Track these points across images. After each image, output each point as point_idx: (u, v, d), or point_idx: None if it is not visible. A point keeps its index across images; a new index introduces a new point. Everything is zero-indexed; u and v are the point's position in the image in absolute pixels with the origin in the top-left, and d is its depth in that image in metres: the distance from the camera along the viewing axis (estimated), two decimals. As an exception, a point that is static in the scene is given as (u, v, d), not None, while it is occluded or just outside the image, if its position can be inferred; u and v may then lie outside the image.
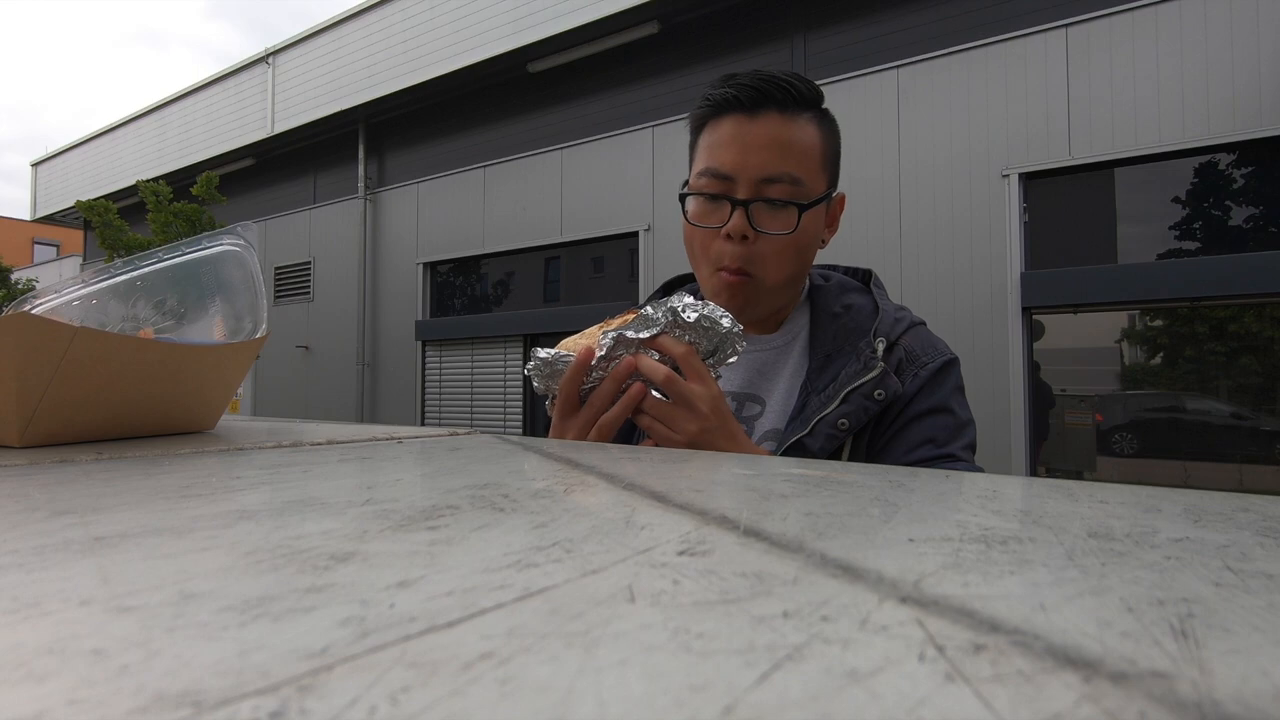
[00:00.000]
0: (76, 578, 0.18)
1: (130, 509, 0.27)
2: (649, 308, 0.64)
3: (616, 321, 0.65)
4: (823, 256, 0.80)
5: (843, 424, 0.68)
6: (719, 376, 0.65)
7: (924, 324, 0.77)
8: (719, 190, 0.71)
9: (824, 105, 0.75)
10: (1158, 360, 5.43)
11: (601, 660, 0.13)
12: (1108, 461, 5.44)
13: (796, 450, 0.69)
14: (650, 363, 0.62)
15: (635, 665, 0.12)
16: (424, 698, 0.11)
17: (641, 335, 0.62)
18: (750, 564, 0.19)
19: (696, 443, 0.60)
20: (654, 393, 0.63)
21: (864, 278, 0.84)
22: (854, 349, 0.72)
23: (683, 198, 0.76)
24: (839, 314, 0.77)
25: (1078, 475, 5.43)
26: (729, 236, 0.71)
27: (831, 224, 0.79)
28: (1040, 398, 5.35)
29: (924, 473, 0.36)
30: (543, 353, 0.66)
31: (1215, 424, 5.18)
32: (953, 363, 0.74)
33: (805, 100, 0.72)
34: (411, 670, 0.12)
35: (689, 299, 0.63)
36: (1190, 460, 5.22)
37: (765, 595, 0.16)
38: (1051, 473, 5.42)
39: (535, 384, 0.68)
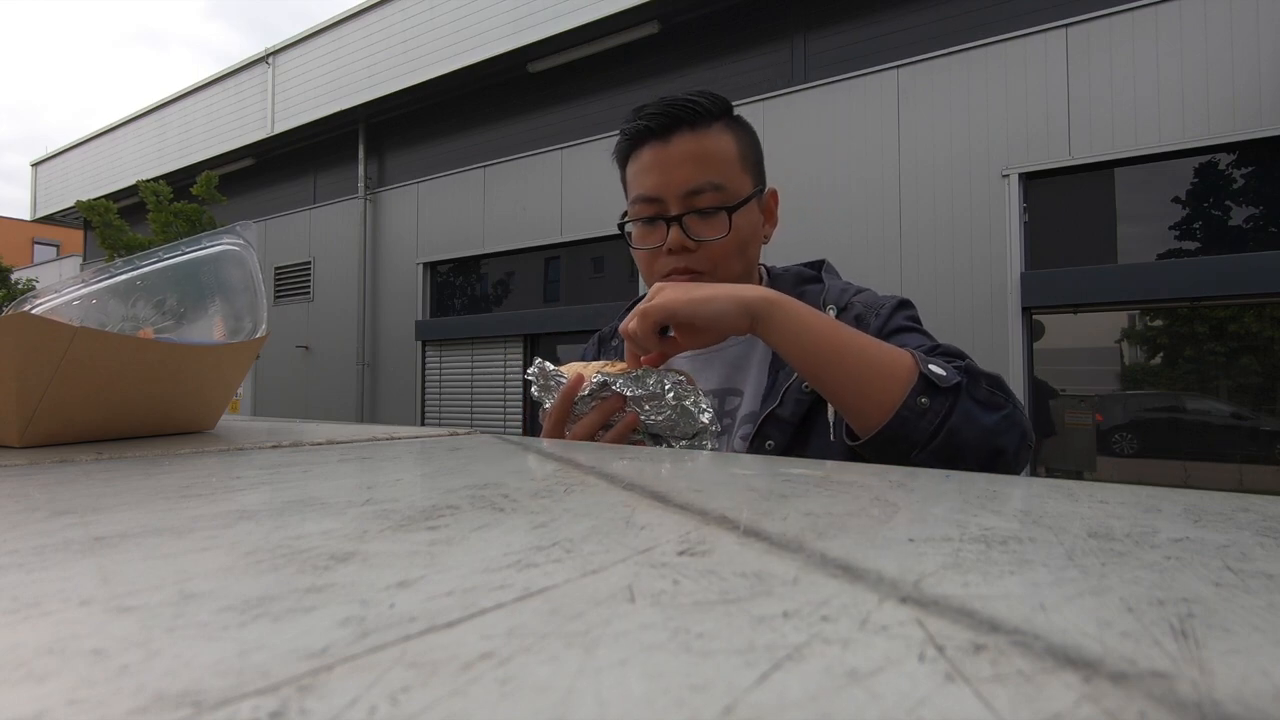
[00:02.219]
0: (76, 578, 0.18)
1: (130, 509, 0.27)
2: (643, 373, 0.66)
3: (619, 366, 0.67)
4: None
5: (807, 386, 0.71)
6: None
7: (869, 290, 0.81)
8: (652, 212, 0.77)
9: (734, 114, 0.80)
10: (1158, 360, 5.43)
11: (601, 660, 0.13)
12: (1108, 461, 5.44)
13: (771, 421, 0.72)
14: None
15: (635, 665, 0.12)
16: (424, 698, 0.11)
17: (626, 392, 0.64)
18: (750, 564, 0.19)
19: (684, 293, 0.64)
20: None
21: (817, 266, 0.88)
22: None
23: (621, 226, 0.82)
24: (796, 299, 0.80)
25: (1078, 475, 5.43)
26: (670, 251, 0.75)
27: (770, 219, 0.83)
28: (1041, 394, 5.35)
29: (924, 473, 0.36)
30: (548, 365, 0.70)
31: (1215, 424, 5.18)
32: (905, 301, 0.78)
33: (712, 113, 0.76)
34: (411, 670, 0.12)
35: (683, 384, 0.64)
36: (1190, 460, 5.22)
37: (765, 595, 0.16)
38: (1051, 473, 5.43)
39: (533, 390, 0.71)
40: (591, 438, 0.65)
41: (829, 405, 0.71)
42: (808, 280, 0.85)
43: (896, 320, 0.75)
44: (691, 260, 0.75)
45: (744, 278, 0.80)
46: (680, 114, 0.75)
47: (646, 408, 0.64)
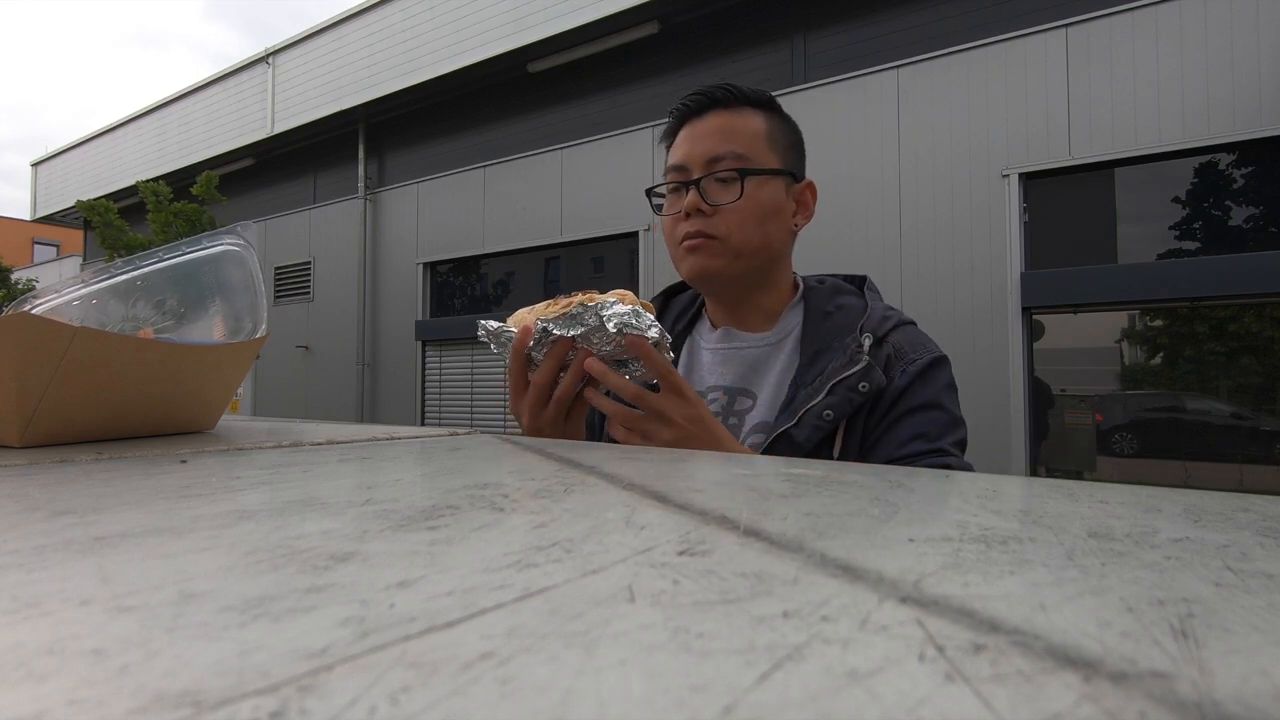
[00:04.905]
0: (76, 578, 0.18)
1: (130, 509, 0.27)
2: (581, 307, 0.65)
3: (561, 304, 0.66)
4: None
5: (828, 415, 0.70)
6: (654, 383, 0.67)
7: (914, 324, 0.79)
8: (678, 180, 0.80)
9: (776, 107, 0.82)
10: (1158, 360, 5.43)
11: (601, 660, 0.13)
12: (1108, 461, 5.44)
13: (784, 441, 0.71)
14: (618, 381, 0.63)
15: (635, 665, 0.12)
16: (424, 698, 0.11)
17: (569, 333, 0.64)
18: (750, 564, 0.19)
19: (676, 445, 0.62)
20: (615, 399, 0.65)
21: (859, 283, 0.87)
22: (841, 344, 0.75)
23: (649, 194, 0.86)
24: (830, 313, 0.80)
25: (1078, 475, 5.43)
26: (688, 215, 0.78)
27: (802, 209, 0.84)
28: (1040, 397, 5.35)
29: (924, 473, 0.36)
30: (491, 324, 0.70)
31: (1215, 424, 5.18)
32: (942, 360, 0.75)
33: (748, 99, 0.80)
34: (411, 670, 0.12)
35: (620, 308, 0.63)
36: (1190, 460, 5.22)
37: (765, 595, 0.16)
38: (1051, 473, 5.42)
39: (492, 348, 0.71)
40: (553, 384, 0.66)
41: (835, 444, 0.71)
42: (845, 293, 0.83)
43: (925, 393, 0.72)
44: (707, 224, 0.77)
45: (762, 253, 0.79)
46: (716, 94, 0.80)
47: (595, 340, 0.63)
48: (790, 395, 0.74)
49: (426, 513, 0.25)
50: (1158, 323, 5.36)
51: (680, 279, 0.91)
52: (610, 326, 0.62)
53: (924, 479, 0.34)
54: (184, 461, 0.41)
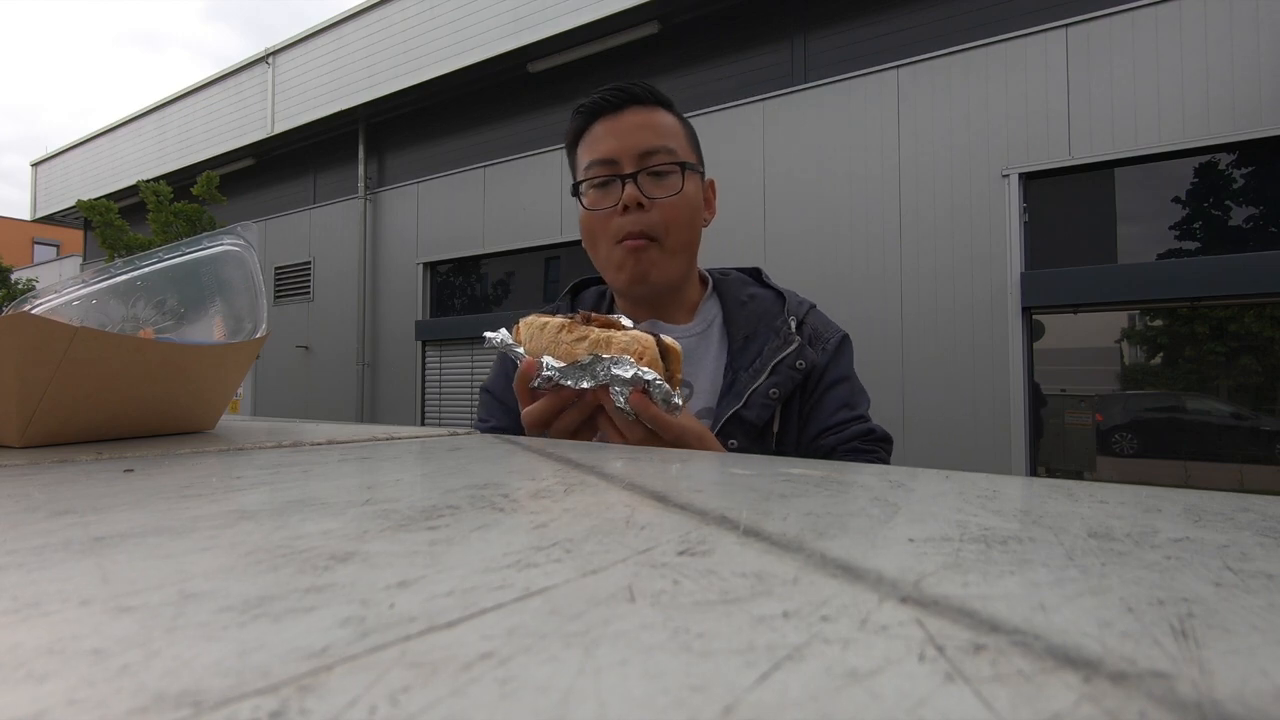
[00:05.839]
0: (76, 578, 0.18)
1: (130, 509, 0.27)
2: (592, 357, 0.61)
3: (576, 333, 0.63)
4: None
5: (773, 393, 0.75)
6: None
7: (815, 306, 0.87)
8: (608, 174, 0.79)
9: (677, 110, 0.86)
10: (1158, 360, 5.43)
11: (601, 660, 0.13)
12: (1108, 461, 5.44)
13: (734, 422, 0.74)
14: (656, 412, 0.60)
15: (635, 665, 0.12)
16: (424, 698, 0.11)
17: (582, 385, 0.61)
18: (750, 564, 0.19)
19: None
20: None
21: (754, 274, 0.92)
22: (771, 328, 0.80)
23: (575, 190, 0.83)
24: (746, 301, 0.85)
25: (1078, 475, 5.43)
26: (625, 209, 0.77)
27: (708, 206, 0.87)
28: (1036, 399, 5.35)
29: (924, 473, 0.36)
30: (497, 338, 0.67)
31: (1215, 424, 5.18)
32: (847, 337, 0.84)
33: (660, 99, 0.82)
34: (411, 670, 0.12)
35: (635, 373, 0.59)
36: (1190, 460, 5.22)
37: (765, 595, 0.16)
38: (1051, 473, 5.42)
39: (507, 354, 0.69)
40: (551, 420, 0.63)
41: (774, 422, 0.75)
42: (749, 284, 0.88)
43: (841, 367, 0.80)
44: (645, 221, 0.77)
45: (692, 247, 0.82)
46: (632, 90, 0.81)
47: (614, 389, 0.61)
48: (730, 380, 0.77)
49: (426, 513, 0.25)
50: (1158, 323, 5.36)
51: (583, 278, 0.93)
52: (620, 396, 0.59)
53: (924, 479, 0.34)
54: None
